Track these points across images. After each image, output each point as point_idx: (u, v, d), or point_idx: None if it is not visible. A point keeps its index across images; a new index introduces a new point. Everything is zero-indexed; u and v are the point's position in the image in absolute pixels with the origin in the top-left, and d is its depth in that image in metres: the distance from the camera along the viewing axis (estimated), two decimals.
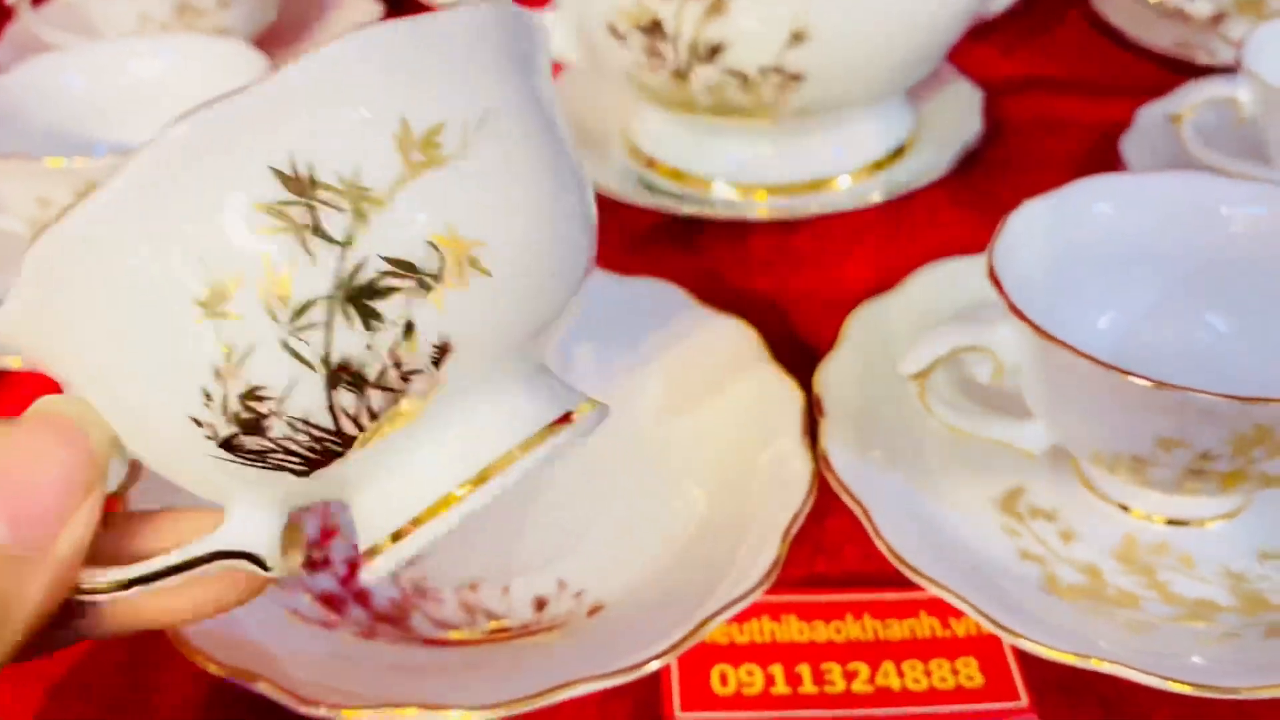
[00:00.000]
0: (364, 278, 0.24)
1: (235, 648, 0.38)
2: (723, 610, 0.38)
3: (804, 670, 0.39)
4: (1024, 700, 0.38)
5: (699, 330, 0.51)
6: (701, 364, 0.50)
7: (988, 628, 0.38)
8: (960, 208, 0.64)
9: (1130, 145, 0.63)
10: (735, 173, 0.65)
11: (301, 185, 0.24)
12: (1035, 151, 0.69)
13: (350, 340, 0.25)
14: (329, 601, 0.42)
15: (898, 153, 0.67)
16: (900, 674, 0.39)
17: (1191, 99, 0.58)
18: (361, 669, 0.39)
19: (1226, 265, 0.45)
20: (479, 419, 0.28)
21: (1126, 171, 0.61)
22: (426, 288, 0.25)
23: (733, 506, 0.43)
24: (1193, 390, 0.35)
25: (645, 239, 0.63)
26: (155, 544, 0.30)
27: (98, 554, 0.29)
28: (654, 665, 0.36)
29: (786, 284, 0.59)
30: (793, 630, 0.40)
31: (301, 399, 0.25)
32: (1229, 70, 0.57)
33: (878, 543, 0.40)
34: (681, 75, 0.58)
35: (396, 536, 0.28)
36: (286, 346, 0.25)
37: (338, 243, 0.24)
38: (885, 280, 0.53)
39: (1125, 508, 0.43)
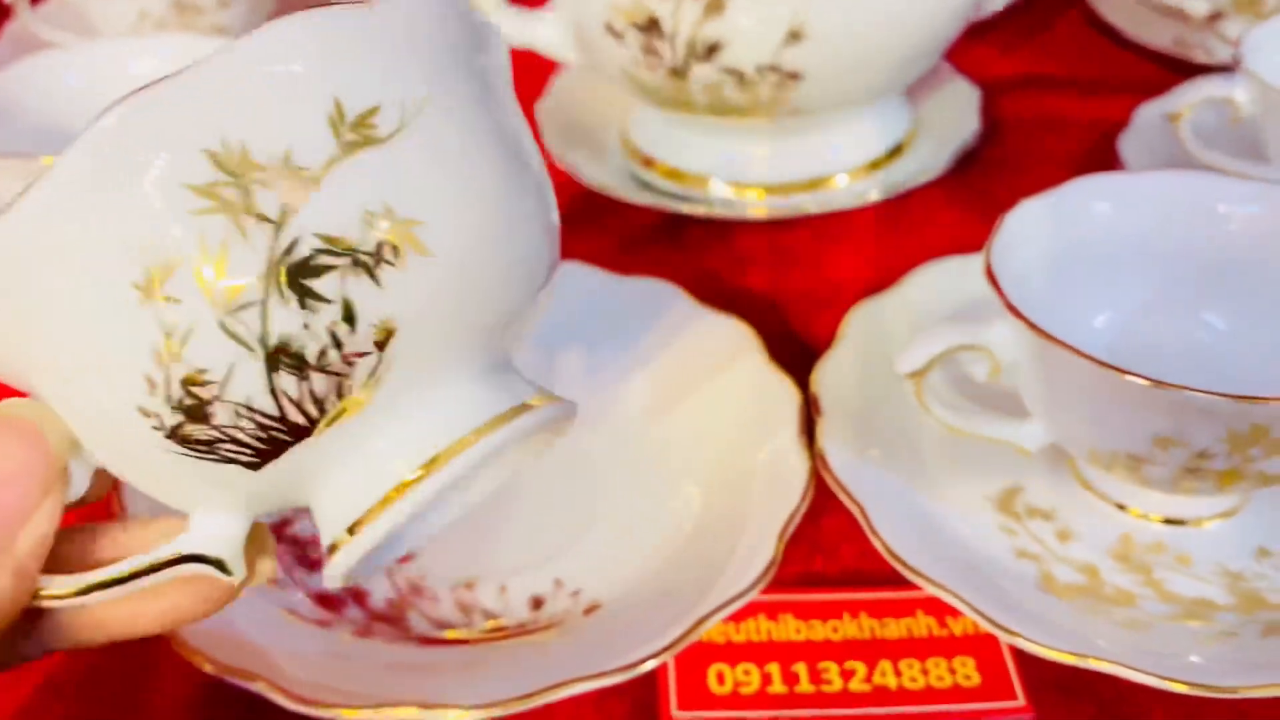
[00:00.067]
0: (298, 256, 0.25)
1: (231, 647, 0.38)
2: (719, 609, 0.38)
3: (801, 669, 0.39)
4: (1021, 699, 0.38)
5: (696, 329, 0.51)
6: (698, 363, 0.50)
7: (985, 627, 0.38)
8: (958, 207, 0.64)
9: (1128, 144, 0.63)
10: (733, 172, 0.65)
11: (233, 166, 0.24)
12: (1033, 150, 0.69)
13: (287, 320, 0.25)
14: (325, 600, 0.42)
15: (895, 152, 0.67)
16: (897, 673, 0.39)
17: (1189, 98, 0.58)
18: (358, 668, 0.39)
19: (1224, 264, 0.45)
20: (431, 408, 0.28)
21: (1124, 170, 0.61)
22: (363, 266, 0.25)
23: (729, 505, 0.43)
24: (1189, 389, 0.35)
25: (643, 238, 0.63)
26: (120, 552, 0.30)
27: (63, 564, 0.29)
28: (650, 664, 0.36)
29: (784, 283, 0.59)
30: (789, 629, 0.40)
31: (242, 382, 0.25)
32: (1227, 69, 0.57)
33: (874, 541, 0.40)
34: (679, 74, 0.58)
35: (353, 530, 0.28)
36: (224, 328, 0.25)
37: (270, 221, 0.24)
38: (883, 279, 0.53)
39: (1122, 507, 0.43)
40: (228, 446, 0.26)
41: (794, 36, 0.55)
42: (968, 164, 0.67)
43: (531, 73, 0.74)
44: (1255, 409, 0.35)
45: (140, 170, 0.24)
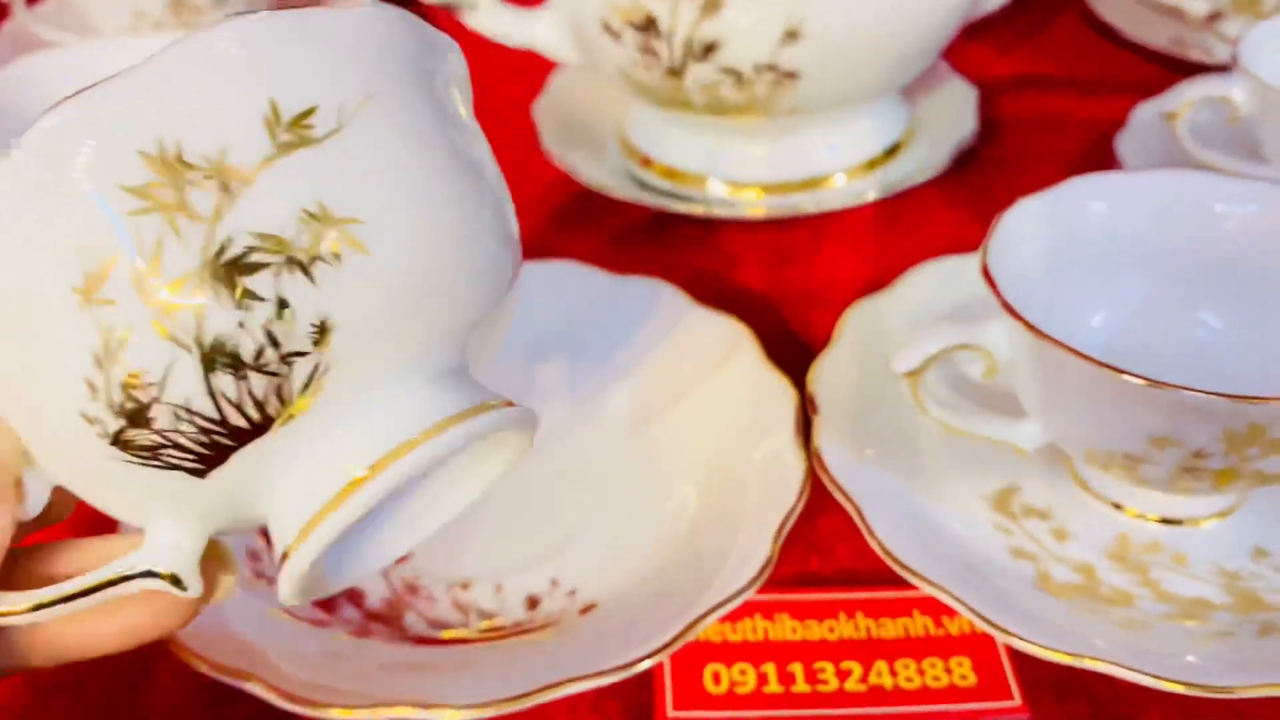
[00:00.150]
0: (231, 254, 0.25)
1: (227, 647, 0.38)
2: (715, 609, 0.38)
3: (797, 669, 0.39)
4: (1017, 699, 0.38)
5: (693, 328, 0.51)
6: (695, 362, 0.49)
7: (981, 626, 0.38)
8: (955, 206, 0.64)
9: (1125, 144, 0.63)
10: (730, 171, 0.65)
11: (167, 166, 0.24)
12: (1030, 150, 0.69)
13: (222, 318, 0.25)
14: (321, 601, 0.42)
15: (892, 151, 0.67)
16: (893, 673, 0.39)
17: (1186, 97, 0.58)
18: (354, 668, 0.38)
19: (1221, 263, 0.45)
20: (379, 410, 0.28)
21: (1121, 170, 0.61)
22: (299, 264, 0.25)
23: (725, 505, 0.43)
24: (1186, 388, 0.35)
25: (640, 237, 0.63)
26: (81, 569, 0.29)
27: (21, 581, 0.29)
28: (646, 664, 0.36)
29: (781, 282, 0.59)
30: (785, 629, 0.40)
31: (180, 383, 0.25)
32: (1225, 69, 0.57)
33: (871, 541, 0.40)
34: (676, 73, 0.58)
35: (302, 536, 0.28)
36: (159, 328, 0.25)
37: (204, 220, 0.25)
38: (880, 278, 0.53)
39: (1119, 506, 0.43)
40: (171, 452, 0.26)
41: (791, 36, 0.55)
42: (965, 163, 0.67)
43: (529, 72, 0.74)
44: (1252, 409, 0.35)
45: (76, 172, 0.24)
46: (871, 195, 0.64)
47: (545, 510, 0.45)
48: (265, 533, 0.42)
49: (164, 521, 0.29)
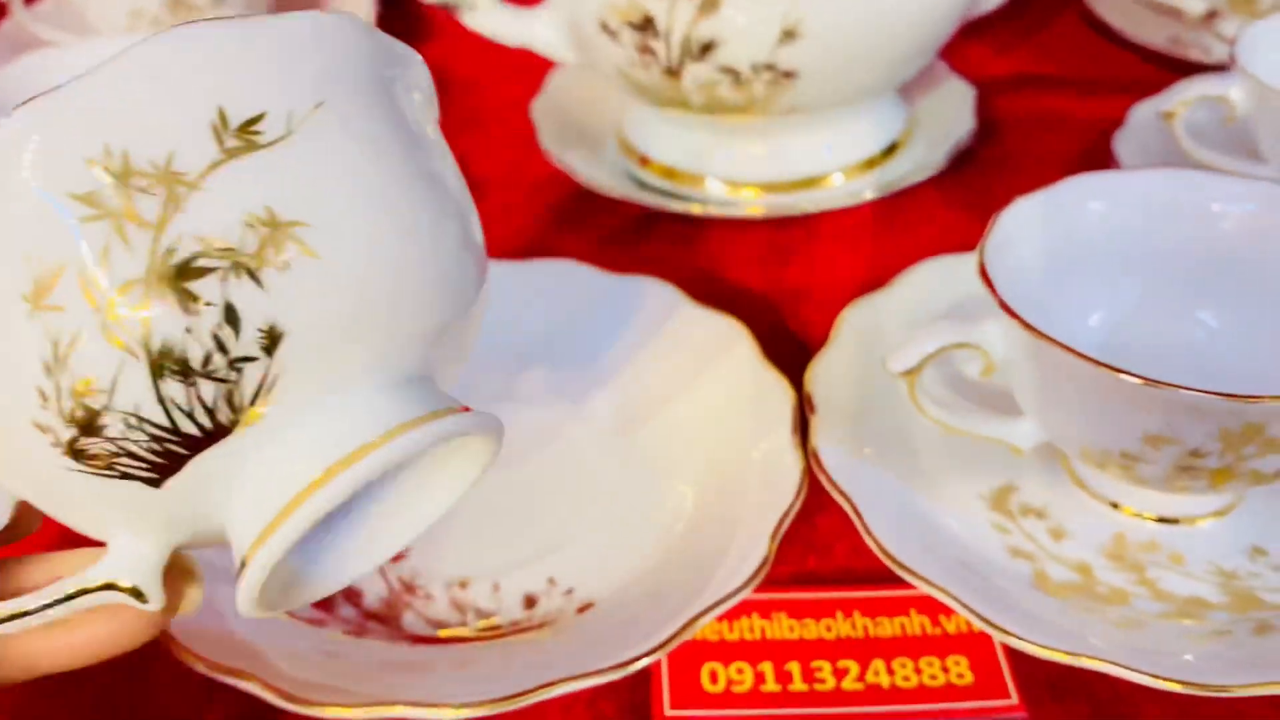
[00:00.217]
0: (178, 259, 0.25)
1: (225, 646, 0.38)
2: (712, 608, 0.38)
3: (794, 668, 0.39)
4: (1014, 698, 0.38)
5: (690, 327, 0.51)
6: (692, 361, 0.50)
7: (978, 625, 0.38)
8: (952, 205, 0.64)
9: (1123, 143, 0.63)
10: (727, 170, 0.65)
11: (114, 173, 0.25)
12: (1028, 149, 0.69)
13: (169, 324, 0.25)
14: (318, 600, 0.42)
15: (890, 150, 0.67)
16: (890, 672, 0.39)
17: (1183, 96, 0.58)
18: (351, 667, 0.38)
19: (1217, 262, 0.45)
20: (335, 416, 0.28)
21: (1119, 169, 0.61)
22: (245, 268, 0.25)
23: (723, 504, 0.43)
24: (1182, 387, 0.35)
25: (638, 236, 0.63)
26: (48, 583, 0.29)
27: None
28: (643, 662, 0.36)
29: (779, 281, 0.59)
30: (783, 628, 0.40)
31: (129, 390, 0.25)
32: (1223, 68, 0.57)
33: (868, 540, 0.40)
34: (673, 72, 0.58)
35: (257, 544, 0.27)
36: (107, 333, 0.25)
37: (151, 226, 0.25)
38: (877, 278, 0.53)
39: (1116, 505, 0.43)
40: (125, 461, 0.26)
41: (789, 35, 0.55)
42: (963, 163, 0.67)
43: (528, 72, 0.74)
44: (1248, 408, 0.35)
45: (24, 180, 0.24)
46: (869, 195, 0.64)
47: (542, 509, 0.46)
48: None
49: (125, 535, 0.29)
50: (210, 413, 0.26)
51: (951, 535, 0.42)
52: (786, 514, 0.41)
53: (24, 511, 0.29)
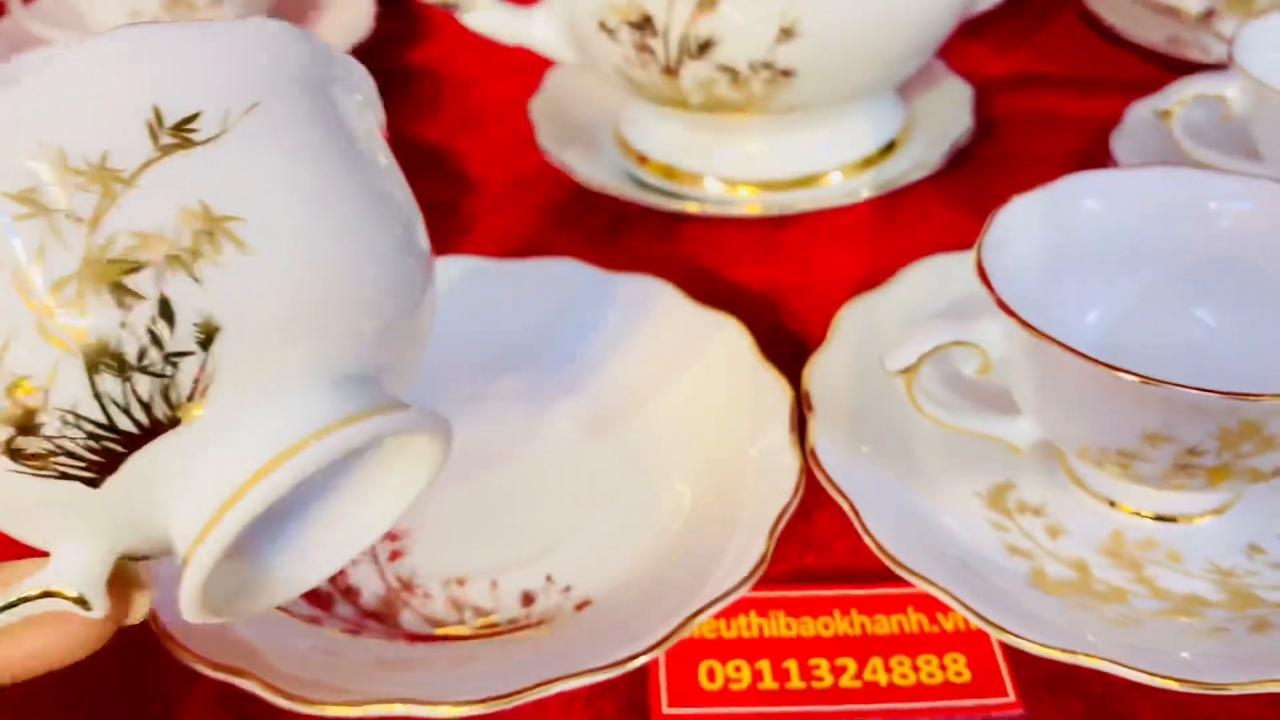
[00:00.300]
0: (112, 254, 0.25)
1: (222, 644, 0.38)
2: (710, 606, 0.38)
3: (792, 666, 0.39)
4: (1011, 696, 0.38)
5: (688, 326, 0.51)
6: (690, 360, 0.50)
7: (975, 623, 0.38)
8: (950, 204, 0.64)
9: (1121, 142, 0.63)
10: (725, 169, 0.65)
11: (49, 171, 0.25)
12: (1026, 148, 0.69)
13: (103, 319, 0.25)
14: (316, 597, 0.42)
15: (888, 149, 0.67)
16: (888, 669, 0.39)
17: (1180, 95, 0.58)
18: (349, 665, 0.39)
19: (1215, 260, 0.45)
20: (270, 415, 0.28)
21: (1116, 168, 0.61)
22: (180, 262, 0.25)
23: (721, 502, 0.43)
24: (1180, 385, 0.35)
25: (636, 235, 0.63)
26: None
27: None
28: (641, 660, 0.36)
29: (776, 280, 0.59)
30: (780, 626, 0.40)
31: (66, 387, 0.25)
32: (1221, 67, 0.57)
33: (866, 538, 0.40)
34: (672, 71, 0.58)
35: (195, 544, 0.27)
36: (42, 330, 0.25)
37: (85, 222, 0.25)
38: (875, 276, 0.53)
39: (1113, 503, 0.43)
40: (62, 460, 0.26)
41: (786, 33, 0.55)
42: (961, 162, 0.67)
43: (526, 71, 0.74)
44: (1246, 405, 0.35)
45: None
46: (867, 193, 0.64)
47: (540, 507, 0.46)
48: None
49: (68, 543, 0.29)
50: (147, 409, 0.26)
51: (949, 533, 0.42)
52: (784, 512, 0.41)
53: None
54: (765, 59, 0.57)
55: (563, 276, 0.54)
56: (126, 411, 0.26)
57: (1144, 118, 0.65)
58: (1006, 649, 0.39)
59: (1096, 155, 0.65)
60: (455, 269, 0.54)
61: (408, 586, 0.42)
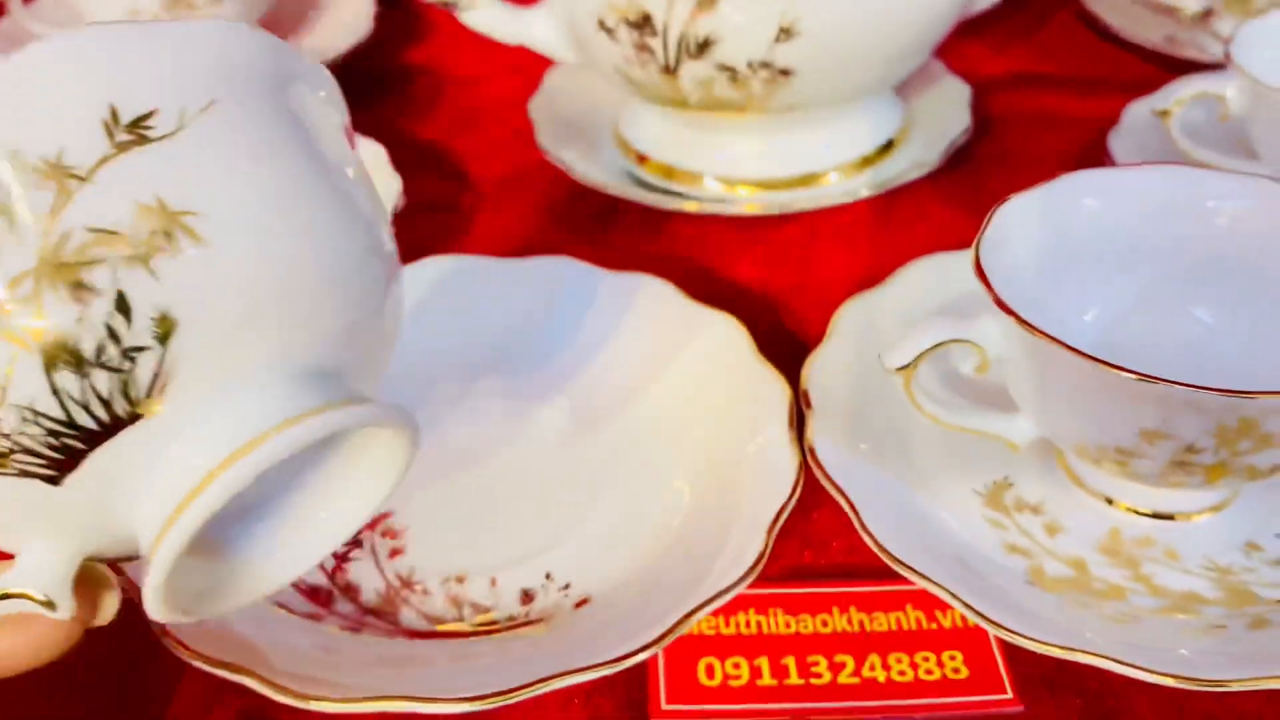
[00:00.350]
0: (68, 249, 0.25)
1: (221, 641, 0.38)
2: (708, 603, 0.38)
3: (790, 662, 0.39)
4: (1009, 693, 0.38)
5: (687, 324, 0.51)
6: (688, 358, 0.50)
7: (973, 620, 0.38)
8: (948, 203, 0.64)
9: (1118, 142, 0.64)
10: (725, 168, 0.65)
11: (5, 170, 0.25)
12: (1024, 147, 0.69)
13: (61, 314, 0.25)
14: (315, 595, 0.42)
15: (886, 148, 0.67)
16: (886, 666, 0.39)
17: (1178, 95, 0.58)
18: (348, 662, 0.39)
19: (1212, 259, 0.45)
20: (230, 410, 0.28)
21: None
22: (136, 256, 0.26)
23: (719, 500, 0.43)
24: (1177, 383, 0.35)
25: (634, 234, 0.63)
26: None
27: None
28: (640, 657, 0.36)
29: (775, 279, 0.59)
30: (779, 623, 0.40)
31: (24, 383, 0.25)
32: (1219, 67, 0.57)
33: (864, 536, 0.40)
34: (671, 70, 0.59)
35: (157, 541, 0.27)
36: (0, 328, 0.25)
37: (41, 218, 0.25)
38: (873, 275, 0.53)
39: (1111, 501, 0.43)
40: (22, 458, 0.26)
41: (785, 33, 0.55)
42: (959, 161, 0.67)
43: (525, 70, 0.75)
44: (1243, 403, 0.35)
45: None
46: (865, 192, 0.64)
47: (539, 505, 0.46)
48: None
49: (32, 544, 0.29)
50: (107, 405, 0.26)
51: (947, 531, 0.42)
52: (783, 509, 0.41)
53: None
54: (764, 58, 0.57)
55: (562, 275, 0.54)
56: (86, 408, 0.26)
57: (1142, 117, 0.65)
58: (1004, 646, 0.39)
59: (1094, 154, 0.65)
60: (455, 267, 0.54)
61: (407, 584, 0.42)
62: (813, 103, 0.61)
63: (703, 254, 0.61)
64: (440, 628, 0.41)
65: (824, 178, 0.65)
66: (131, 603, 0.32)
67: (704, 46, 0.57)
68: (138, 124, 0.26)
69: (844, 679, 0.39)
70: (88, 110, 0.26)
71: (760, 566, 0.39)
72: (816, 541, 0.44)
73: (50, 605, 0.29)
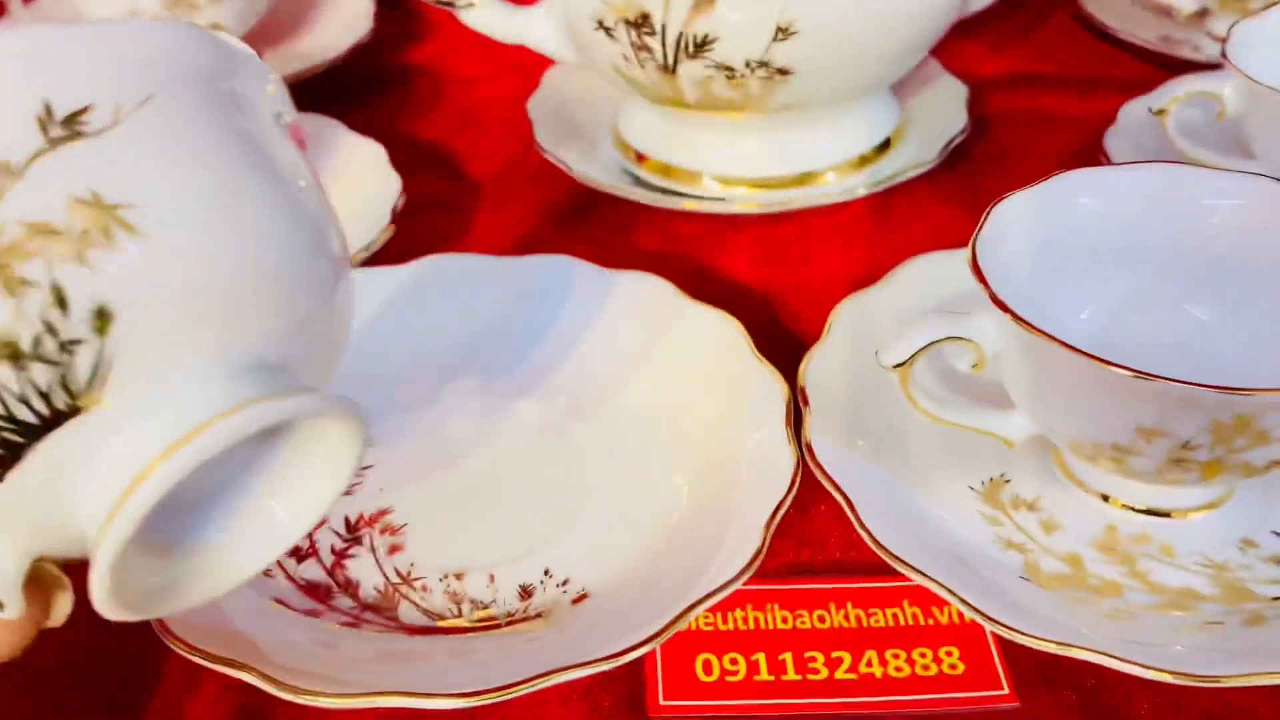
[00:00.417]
0: (1, 243, 0.25)
1: (220, 637, 0.38)
2: (706, 598, 0.38)
3: (787, 658, 0.39)
4: (1006, 688, 0.38)
5: (684, 323, 0.51)
6: (686, 356, 0.50)
7: (970, 616, 0.38)
8: (945, 202, 0.64)
9: (1114, 141, 0.64)
10: (723, 167, 0.65)
11: None
12: (1020, 146, 0.70)
13: None
14: (314, 590, 0.42)
15: (883, 147, 0.67)
16: (883, 662, 0.39)
17: (1174, 94, 0.58)
18: (347, 657, 0.39)
19: (1208, 256, 0.45)
20: (172, 402, 0.28)
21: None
22: (71, 249, 0.26)
23: (717, 496, 0.43)
24: (1173, 380, 0.35)
25: (633, 232, 0.63)
26: None
27: None
28: (638, 653, 0.36)
29: (773, 277, 0.59)
30: (776, 619, 0.40)
31: None
32: (1215, 66, 0.57)
33: (861, 532, 0.40)
34: (669, 70, 0.59)
35: (100, 535, 0.27)
36: None
37: None
38: (871, 273, 0.54)
39: (1107, 498, 0.43)
40: None
41: (783, 32, 0.56)
42: (956, 160, 0.67)
43: (524, 69, 0.75)
44: (1239, 400, 0.35)
45: None
46: (862, 191, 0.64)
47: (537, 502, 0.46)
48: None
49: None
50: (46, 399, 0.26)
51: (944, 527, 0.42)
52: (780, 506, 0.41)
53: None
54: (762, 58, 0.57)
55: (560, 274, 0.54)
56: (25, 402, 0.26)
57: (1138, 116, 0.65)
58: (1001, 642, 0.39)
59: (1091, 153, 0.65)
60: (453, 266, 0.54)
61: (406, 580, 0.42)
62: (810, 102, 0.61)
63: (701, 252, 0.61)
64: (439, 624, 0.41)
65: (821, 177, 0.65)
66: None
67: (702, 46, 0.57)
68: (72, 119, 0.26)
69: (841, 675, 0.39)
70: (21, 106, 0.26)
71: (758, 563, 0.39)
72: (814, 538, 0.44)
73: None
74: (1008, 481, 0.45)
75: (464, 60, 0.82)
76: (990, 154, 0.69)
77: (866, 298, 0.51)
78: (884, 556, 0.40)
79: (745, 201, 0.64)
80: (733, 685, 0.38)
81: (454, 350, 0.52)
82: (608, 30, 0.59)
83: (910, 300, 0.51)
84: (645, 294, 0.52)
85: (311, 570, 0.43)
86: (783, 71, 0.57)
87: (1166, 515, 0.43)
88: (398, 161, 0.64)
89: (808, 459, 0.43)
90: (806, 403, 0.45)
